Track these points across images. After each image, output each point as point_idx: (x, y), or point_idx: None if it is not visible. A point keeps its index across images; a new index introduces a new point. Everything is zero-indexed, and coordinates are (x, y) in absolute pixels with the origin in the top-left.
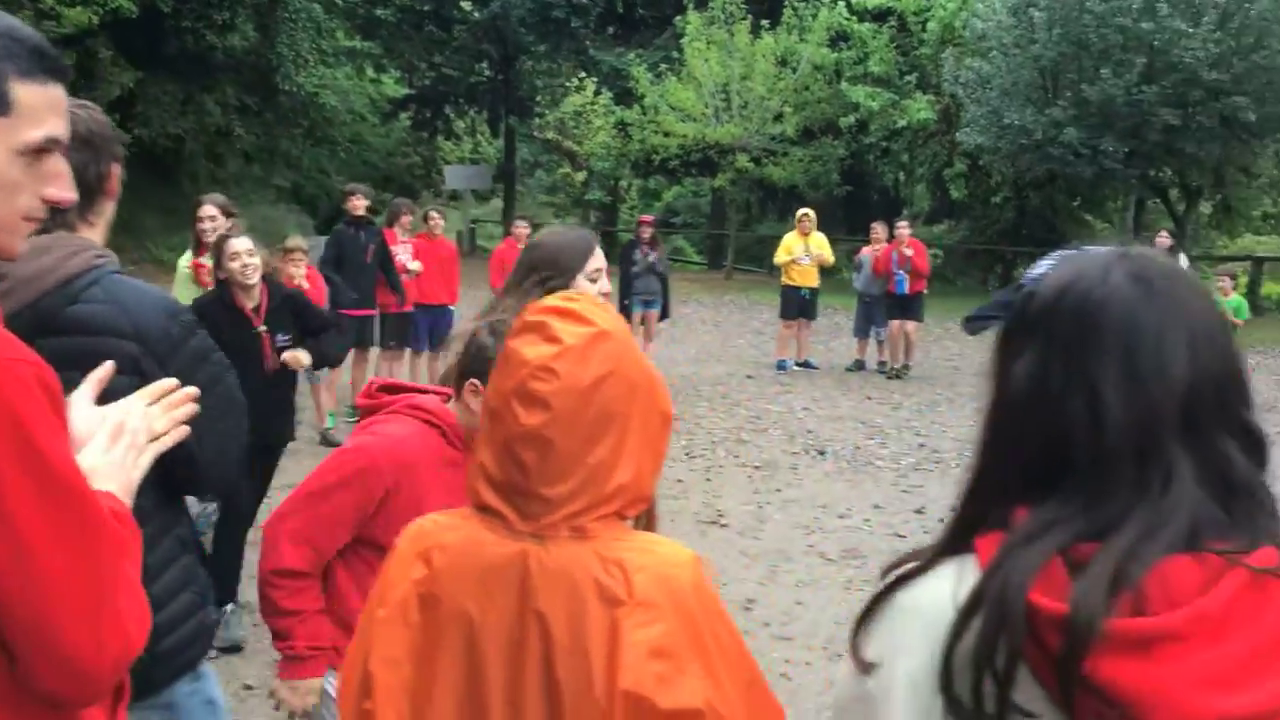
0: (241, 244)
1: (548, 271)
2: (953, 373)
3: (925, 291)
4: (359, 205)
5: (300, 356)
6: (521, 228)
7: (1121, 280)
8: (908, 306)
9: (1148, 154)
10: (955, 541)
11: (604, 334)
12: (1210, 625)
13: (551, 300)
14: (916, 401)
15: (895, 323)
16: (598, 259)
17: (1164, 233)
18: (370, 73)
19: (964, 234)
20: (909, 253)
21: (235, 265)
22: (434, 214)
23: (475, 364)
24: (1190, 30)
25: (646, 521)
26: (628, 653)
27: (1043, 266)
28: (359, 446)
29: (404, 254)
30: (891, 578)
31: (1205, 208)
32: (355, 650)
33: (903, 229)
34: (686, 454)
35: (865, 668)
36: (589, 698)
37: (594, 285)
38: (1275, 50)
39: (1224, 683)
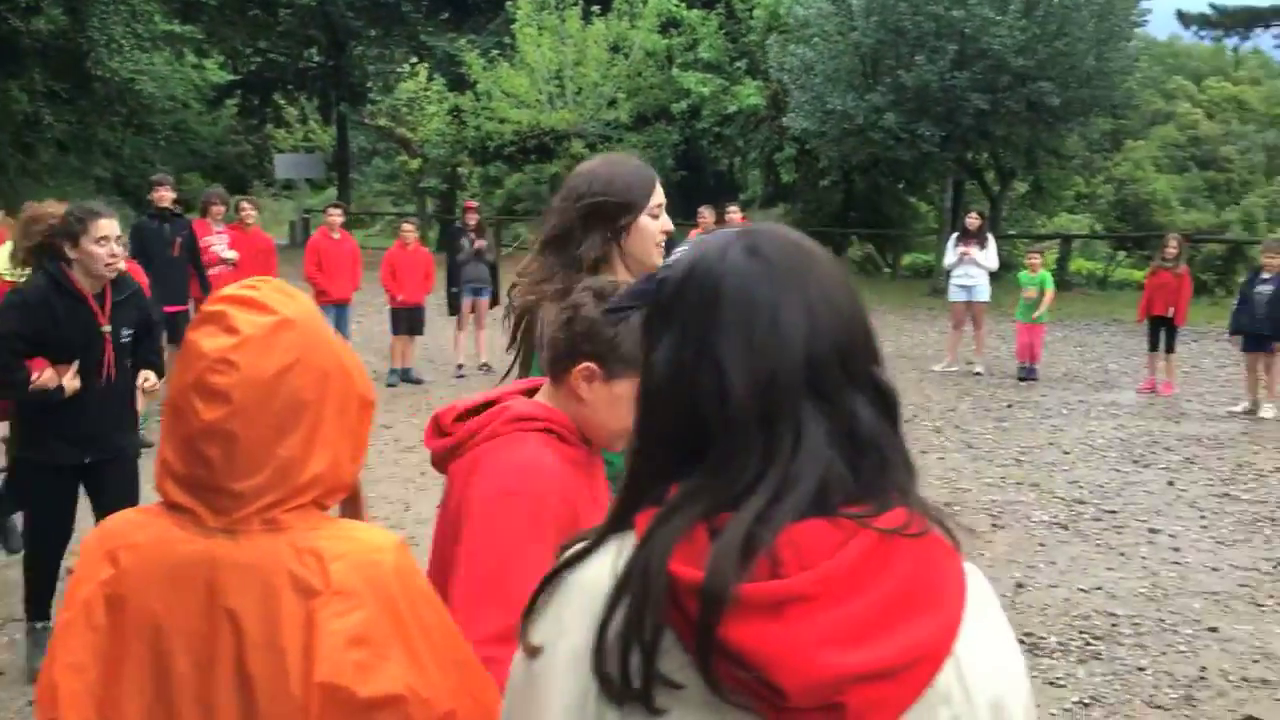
0: (112, 225)
1: (613, 205)
2: None
3: None
4: (165, 196)
5: (153, 379)
6: (335, 214)
7: (738, 257)
8: None
9: (962, 137)
10: (619, 520)
11: (287, 322)
12: (837, 586)
13: (231, 289)
14: None
15: None
16: (660, 193)
17: (974, 213)
18: (192, 58)
19: (796, 217)
20: None
21: (100, 251)
22: (245, 204)
23: (587, 342)
24: (998, 18)
25: (353, 509)
26: (324, 643)
27: (676, 253)
28: (508, 490)
29: (219, 244)
30: (561, 560)
31: (1021, 188)
32: (45, 659)
33: (733, 214)
34: None
35: (532, 651)
36: (284, 692)
37: (656, 222)
38: (1076, 38)
39: (848, 640)
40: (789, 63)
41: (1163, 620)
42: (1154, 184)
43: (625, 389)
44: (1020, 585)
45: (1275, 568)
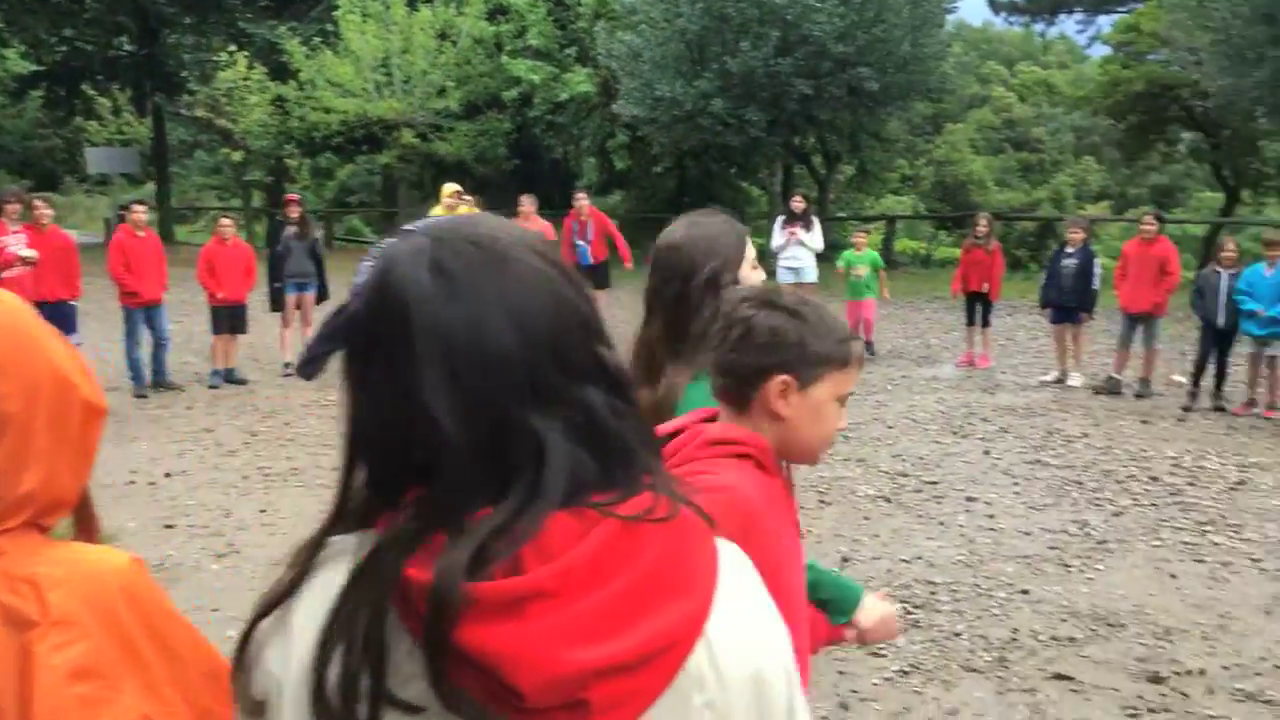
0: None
1: (715, 266)
2: (616, 341)
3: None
4: None
5: None
6: (140, 211)
7: (423, 278)
8: (596, 276)
9: (788, 122)
10: (321, 539)
11: None
12: (579, 578)
13: None
14: None
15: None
16: (751, 246)
17: (798, 196)
18: None
19: (632, 203)
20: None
21: None
22: (38, 202)
23: (772, 353)
24: (818, 5)
25: (85, 528)
26: (43, 680)
27: (361, 273)
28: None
29: (16, 244)
30: (269, 597)
31: (847, 171)
32: None
33: (581, 200)
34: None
35: (254, 709)
36: None
37: (756, 274)
38: (893, 24)
39: (591, 634)
40: (617, 50)
41: (978, 586)
42: (971, 165)
43: (824, 392)
44: (846, 559)
45: (1081, 529)
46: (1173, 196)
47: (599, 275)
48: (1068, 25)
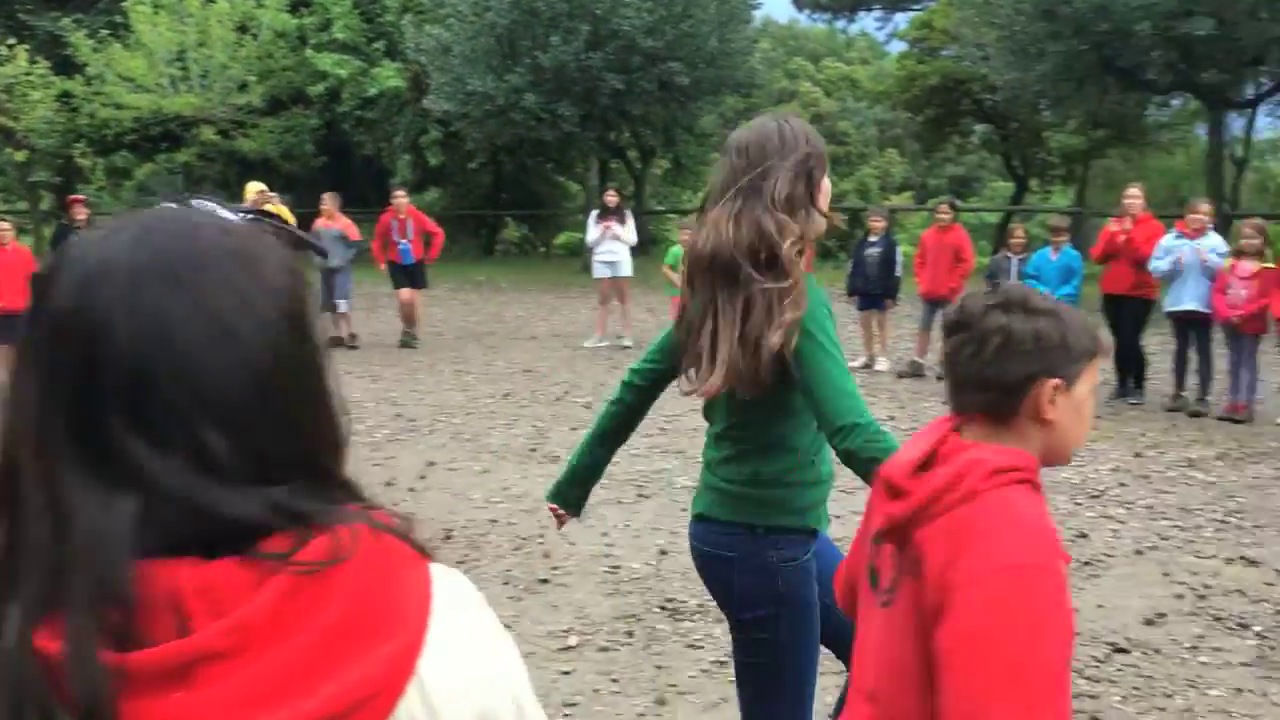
0: None
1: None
2: (434, 339)
3: (427, 262)
4: None
5: None
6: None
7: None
8: (415, 275)
9: (601, 117)
10: None
11: None
12: (258, 633)
13: None
14: (397, 371)
15: (405, 291)
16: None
17: (611, 191)
18: None
19: (449, 200)
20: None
21: None
22: None
23: (1040, 359)
24: (626, 0)
25: None
26: None
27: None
28: (1022, 564)
29: None
30: None
31: (663, 165)
32: None
33: (400, 198)
34: None
35: None
36: None
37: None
38: (700, 20)
39: (278, 694)
40: (426, 44)
41: None
42: None
43: (1085, 387)
44: (664, 552)
45: None
46: (969, 186)
47: (418, 275)
48: (868, 22)
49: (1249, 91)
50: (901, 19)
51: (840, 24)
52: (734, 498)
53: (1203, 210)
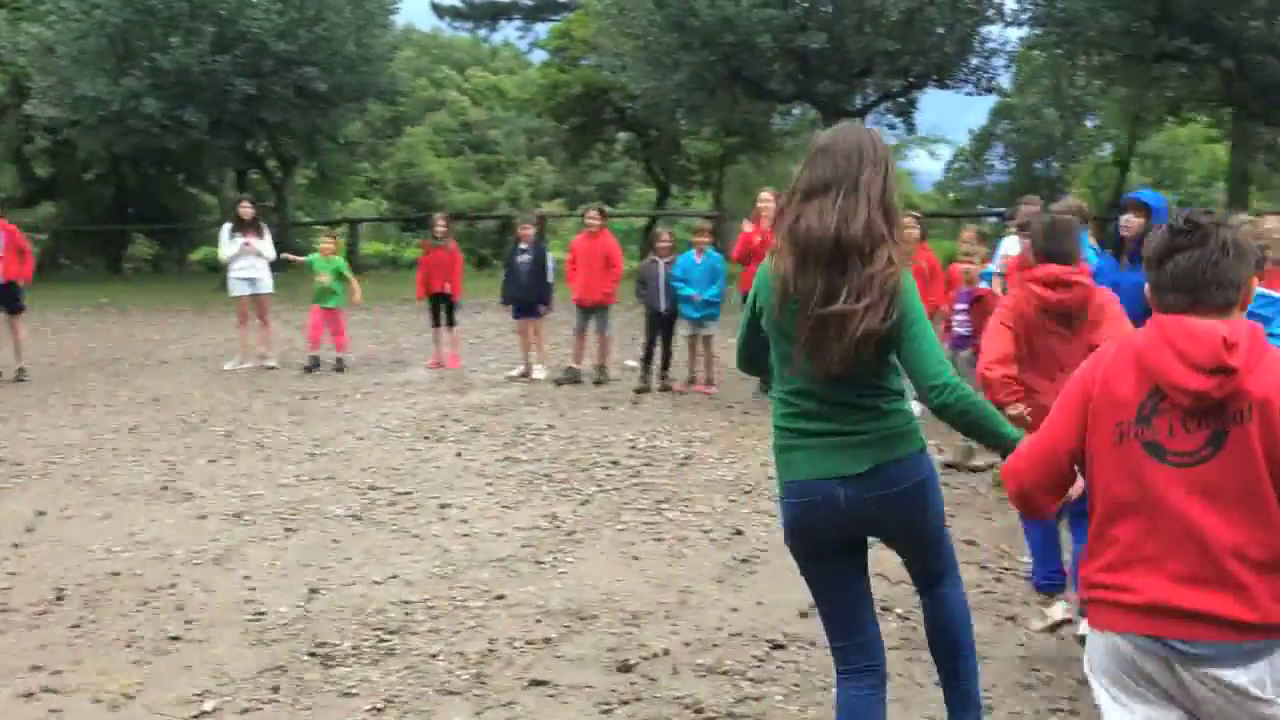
0: None
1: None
2: (47, 370)
3: (23, 281)
4: None
5: None
6: None
7: None
8: (7, 298)
9: (233, 124)
10: None
11: None
12: None
13: None
14: (5, 408)
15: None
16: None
17: (245, 203)
18: None
19: (67, 215)
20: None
21: None
22: None
23: (1247, 260)
24: (253, 1)
25: None
26: None
27: None
28: None
29: None
30: None
31: (308, 175)
32: None
33: None
34: None
35: None
36: None
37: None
38: (335, 23)
39: None
40: (25, 43)
41: (455, 598)
42: (430, 167)
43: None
44: (314, 591)
45: (552, 523)
46: (616, 192)
47: (10, 297)
48: (509, 31)
49: (859, 101)
50: (542, 29)
51: (482, 32)
52: (897, 436)
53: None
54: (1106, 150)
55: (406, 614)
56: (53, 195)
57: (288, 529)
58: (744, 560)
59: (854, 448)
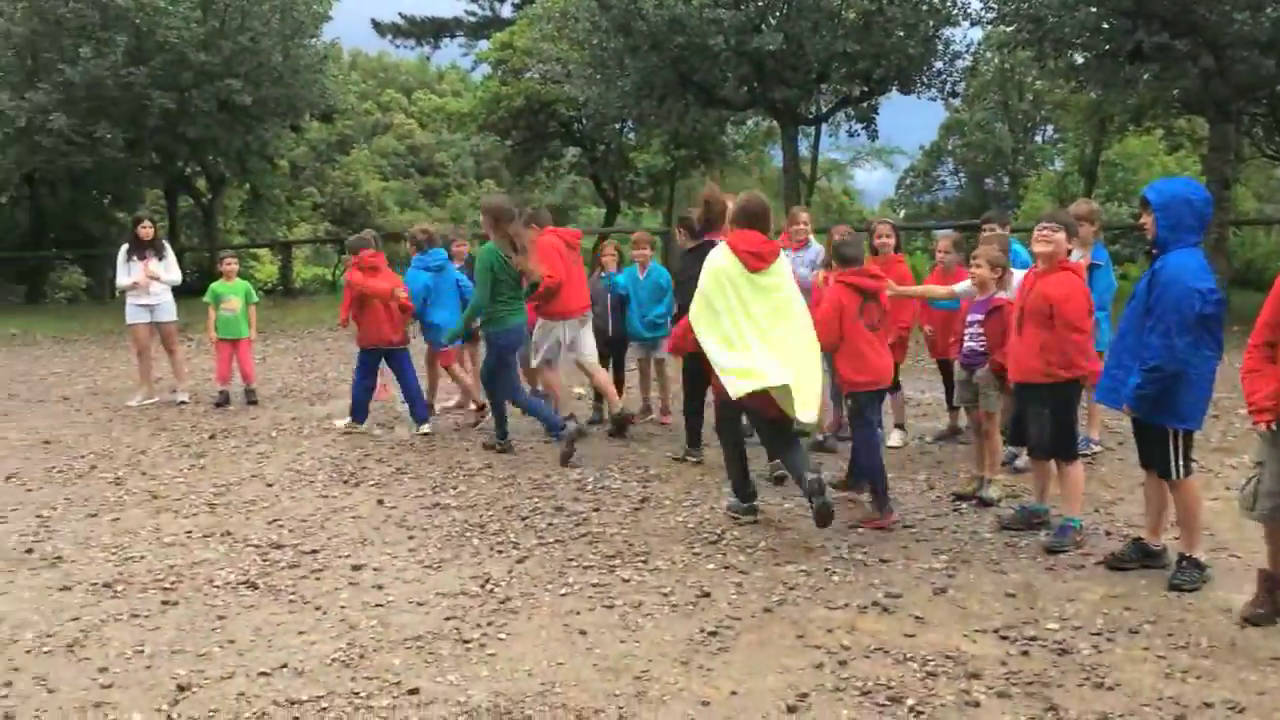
0: None
1: None
2: None
3: None
4: None
5: None
6: None
7: None
8: None
9: (153, 141)
10: None
11: None
12: None
13: None
14: None
15: None
16: None
17: (145, 223)
18: None
19: None
20: None
21: None
22: None
23: None
24: (170, 9)
25: None
26: None
27: None
28: None
29: None
30: None
31: (240, 197)
32: None
33: None
34: None
35: None
36: None
37: None
38: (260, 32)
39: None
40: None
41: (356, 694)
42: (366, 188)
43: None
44: (182, 689)
45: (483, 587)
46: (565, 214)
47: None
48: (453, 50)
49: (816, 109)
50: (486, 45)
51: (426, 50)
52: None
53: (803, 220)
54: (1058, 166)
55: (295, 718)
56: None
57: (165, 602)
58: (713, 633)
59: None
